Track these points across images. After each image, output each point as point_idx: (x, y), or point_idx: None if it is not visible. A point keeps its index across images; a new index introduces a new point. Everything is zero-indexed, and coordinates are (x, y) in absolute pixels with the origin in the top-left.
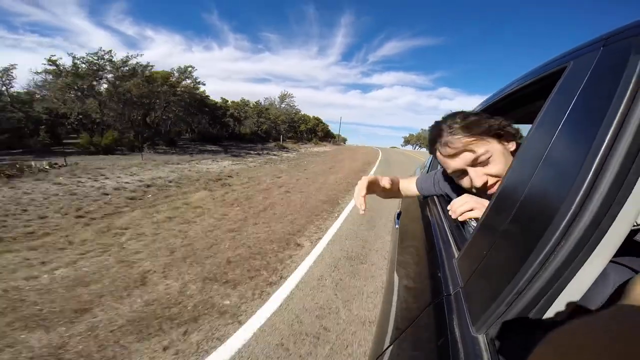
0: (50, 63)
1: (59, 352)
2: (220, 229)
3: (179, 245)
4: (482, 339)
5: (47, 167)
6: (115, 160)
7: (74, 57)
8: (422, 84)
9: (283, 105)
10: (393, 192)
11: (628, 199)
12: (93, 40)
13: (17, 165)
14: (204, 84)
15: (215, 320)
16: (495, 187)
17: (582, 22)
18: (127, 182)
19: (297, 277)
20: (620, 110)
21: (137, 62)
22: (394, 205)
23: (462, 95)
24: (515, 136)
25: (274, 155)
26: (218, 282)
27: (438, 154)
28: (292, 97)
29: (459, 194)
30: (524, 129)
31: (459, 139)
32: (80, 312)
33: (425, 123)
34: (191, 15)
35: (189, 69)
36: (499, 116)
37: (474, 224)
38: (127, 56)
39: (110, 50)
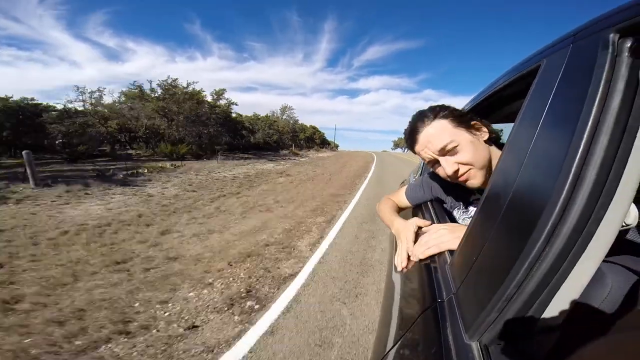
0: (136, 88)
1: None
2: (312, 190)
3: (296, 194)
4: (475, 347)
5: (170, 166)
6: (199, 164)
7: (150, 83)
8: (407, 86)
9: (284, 117)
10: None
11: (613, 199)
12: (73, 52)
13: (146, 167)
14: (236, 104)
15: (347, 195)
16: (468, 175)
17: (562, 16)
18: (233, 174)
19: (362, 189)
20: (594, 111)
21: (193, 88)
22: (393, 164)
23: (446, 97)
24: (487, 126)
25: (294, 159)
26: (334, 196)
27: (415, 147)
28: (292, 109)
29: (452, 196)
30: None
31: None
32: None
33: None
34: (173, 26)
35: (222, 91)
36: (484, 117)
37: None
38: (188, 83)
39: (177, 79)
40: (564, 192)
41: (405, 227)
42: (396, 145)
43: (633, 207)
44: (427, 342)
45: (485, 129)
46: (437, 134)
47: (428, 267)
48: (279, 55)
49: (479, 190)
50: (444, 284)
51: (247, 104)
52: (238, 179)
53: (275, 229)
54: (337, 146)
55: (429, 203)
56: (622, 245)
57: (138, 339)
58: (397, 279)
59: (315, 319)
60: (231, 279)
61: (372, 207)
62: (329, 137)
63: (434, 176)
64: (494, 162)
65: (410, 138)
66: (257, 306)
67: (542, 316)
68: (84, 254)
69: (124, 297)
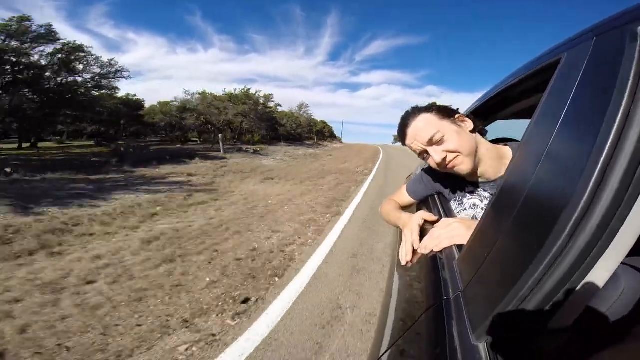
0: (227, 94)
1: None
2: (354, 158)
3: (349, 158)
4: (482, 348)
5: (259, 148)
6: (272, 147)
7: (234, 90)
8: (408, 82)
9: (302, 113)
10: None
11: (639, 198)
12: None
13: (243, 148)
14: (280, 106)
15: (375, 160)
16: (455, 161)
17: (573, 15)
18: (302, 153)
19: (380, 160)
20: (624, 103)
21: (259, 95)
22: (398, 156)
23: (448, 93)
24: (470, 118)
25: (321, 147)
26: (366, 161)
27: (406, 141)
28: (307, 106)
29: (449, 188)
30: (524, 124)
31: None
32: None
33: None
34: (174, 18)
35: (270, 95)
36: (495, 113)
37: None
38: (258, 90)
39: (250, 88)
40: (589, 190)
41: (410, 220)
42: (396, 139)
43: None
44: (431, 341)
45: (469, 120)
46: (424, 127)
47: (434, 263)
48: (280, 47)
49: (473, 183)
50: (450, 281)
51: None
52: (309, 154)
53: (355, 164)
54: (340, 140)
55: (435, 197)
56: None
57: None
58: (400, 274)
59: (380, 176)
60: (358, 167)
61: (388, 161)
62: (335, 130)
63: (430, 170)
64: (482, 151)
65: (401, 133)
66: (366, 170)
67: (555, 317)
68: (304, 169)
69: (318, 167)
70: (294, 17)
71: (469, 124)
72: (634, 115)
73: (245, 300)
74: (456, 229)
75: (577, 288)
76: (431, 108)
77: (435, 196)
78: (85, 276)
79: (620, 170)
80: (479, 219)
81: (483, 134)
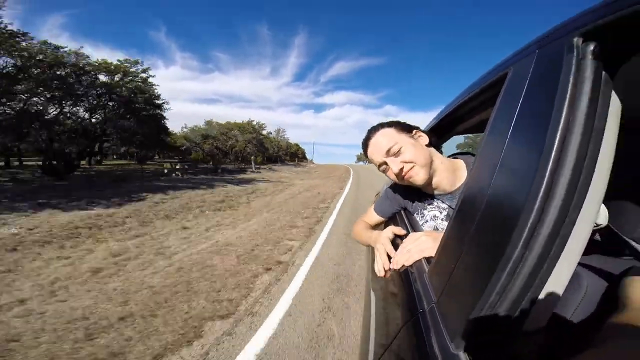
0: (233, 124)
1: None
2: (334, 172)
3: (332, 173)
4: (463, 356)
5: (269, 167)
6: (275, 166)
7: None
8: (369, 102)
9: (280, 137)
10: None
11: (585, 200)
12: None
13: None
14: (271, 133)
15: (349, 173)
16: (411, 172)
17: (517, 29)
18: (297, 169)
19: (352, 171)
20: (565, 111)
21: (258, 123)
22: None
23: (405, 112)
24: (425, 132)
25: (304, 167)
26: (347, 170)
27: (368, 153)
28: (284, 131)
29: (412, 202)
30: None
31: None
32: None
33: None
34: (136, 33)
35: (263, 124)
36: (452, 129)
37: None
38: (258, 121)
39: (263, 124)
40: (540, 195)
41: (380, 236)
42: (359, 159)
43: (603, 207)
44: (412, 355)
45: (424, 135)
46: (383, 139)
47: (406, 278)
48: (245, 67)
49: (431, 195)
50: (424, 294)
51: (208, 116)
52: (304, 170)
53: (338, 175)
54: (312, 161)
55: (402, 213)
56: (590, 245)
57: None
58: (375, 292)
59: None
60: (345, 172)
61: (358, 170)
62: (301, 151)
63: (394, 186)
64: (437, 163)
65: (364, 146)
66: (351, 170)
67: (527, 320)
68: (316, 174)
69: (324, 172)
70: (261, 36)
71: (425, 139)
72: (573, 123)
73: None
74: (424, 242)
75: (543, 291)
76: (391, 124)
77: (402, 212)
78: (274, 204)
79: (566, 174)
80: (444, 231)
81: (438, 148)
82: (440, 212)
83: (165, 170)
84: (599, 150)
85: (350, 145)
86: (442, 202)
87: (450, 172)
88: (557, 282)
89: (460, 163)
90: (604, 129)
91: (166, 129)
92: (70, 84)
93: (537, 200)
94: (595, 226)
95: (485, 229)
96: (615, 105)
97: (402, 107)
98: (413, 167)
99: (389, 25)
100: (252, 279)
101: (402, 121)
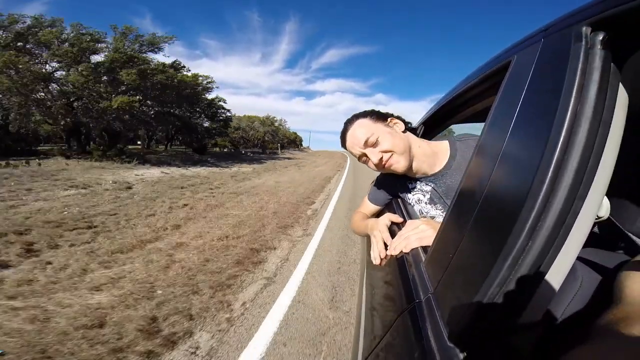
0: (255, 117)
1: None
2: (334, 156)
3: (334, 156)
4: (459, 348)
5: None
6: (289, 151)
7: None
8: (360, 90)
9: (281, 126)
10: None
11: (589, 191)
12: None
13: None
14: (287, 122)
15: (345, 158)
16: (390, 161)
17: (516, 22)
18: (305, 152)
19: (349, 159)
20: (572, 102)
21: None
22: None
23: (395, 101)
24: (399, 118)
25: (305, 152)
26: (342, 157)
27: (347, 145)
28: (286, 121)
29: (400, 188)
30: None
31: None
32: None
33: None
34: (120, 19)
35: (274, 117)
36: (452, 117)
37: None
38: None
39: (274, 117)
40: (544, 188)
41: (377, 223)
42: None
43: (605, 199)
44: (408, 345)
45: (399, 122)
46: (360, 131)
47: (402, 267)
48: (234, 54)
49: (414, 179)
50: (420, 284)
51: None
52: (310, 154)
53: (339, 155)
54: (309, 147)
55: (398, 200)
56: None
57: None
58: (371, 281)
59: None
60: (341, 155)
61: (352, 159)
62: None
63: (384, 175)
64: (415, 148)
65: (342, 139)
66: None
67: (525, 312)
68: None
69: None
70: (251, 23)
71: (400, 125)
72: (582, 113)
73: (341, 164)
74: (423, 230)
75: (542, 283)
76: (366, 114)
77: (399, 199)
78: (319, 163)
79: (573, 165)
80: (442, 221)
81: (416, 133)
82: (424, 196)
83: (242, 151)
84: (606, 141)
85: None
86: (426, 184)
87: (429, 156)
88: (556, 274)
89: (442, 145)
90: (612, 120)
91: (229, 125)
92: (194, 101)
93: (543, 190)
94: (596, 218)
95: (486, 219)
96: (622, 97)
97: (393, 96)
98: (392, 155)
99: (381, 13)
100: (324, 181)
101: (377, 110)
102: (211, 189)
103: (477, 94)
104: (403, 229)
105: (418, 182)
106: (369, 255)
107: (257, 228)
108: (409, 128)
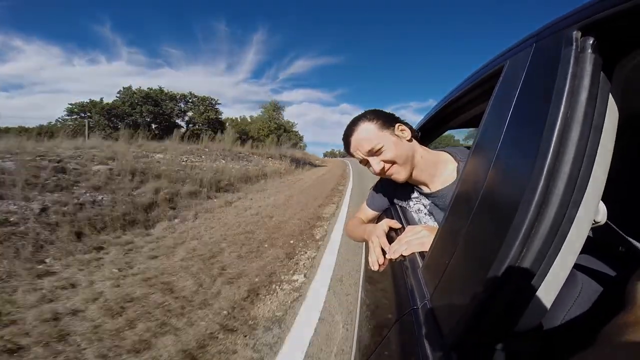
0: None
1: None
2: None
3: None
4: (456, 354)
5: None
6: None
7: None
8: (326, 100)
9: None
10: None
11: (584, 197)
12: None
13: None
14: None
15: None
16: (392, 170)
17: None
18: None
19: (351, 167)
20: (563, 106)
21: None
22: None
23: (359, 111)
24: (406, 125)
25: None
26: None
27: (350, 150)
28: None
29: (400, 195)
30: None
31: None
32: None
33: (330, 137)
34: (75, 26)
35: (292, 123)
36: (447, 122)
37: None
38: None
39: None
40: (538, 192)
41: (375, 228)
42: (325, 155)
43: (601, 204)
44: (405, 352)
45: (407, 129)
46: (365, 138)
47: (400, 273)
48: (199, 63)
49: (415, 188)
50: (417, 290)
51: None
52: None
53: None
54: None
55: (397, 207)
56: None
57: None
58: (369, 287)
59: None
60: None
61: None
62: None
63: (384, 180)
64: (417, 158)
65: (345, 141)
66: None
67: (522, 319)
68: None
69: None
70: (218, 32)
71: (407, 133)
72: (572, 117)
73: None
74: (424, 236)
75: (539, 289)
76: (373, 117)
77: (397, 205)
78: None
79: (565, 170)
80: (438, 227)
81: (421, 141)
82: (424, 207)
83: None
84: (598, 145)
85: (311, 143)
86: (426, 197)
87: (431, 166)
88: (554, 280)
89: (443, 156)
90: (603, 124)
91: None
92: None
93: (536, 196)
94: (593, 223)
95: (481, 225)
96: (613, 100)
97: (357, 106)
98: (393, 166)
99: (349, 25)
100: (342, 169)
101: (384, 111)
102: None
103: (472, 99)
104: (403, 234)
105: (419, 193)
106: (366, 261)
107: None
108: (415, 136)
